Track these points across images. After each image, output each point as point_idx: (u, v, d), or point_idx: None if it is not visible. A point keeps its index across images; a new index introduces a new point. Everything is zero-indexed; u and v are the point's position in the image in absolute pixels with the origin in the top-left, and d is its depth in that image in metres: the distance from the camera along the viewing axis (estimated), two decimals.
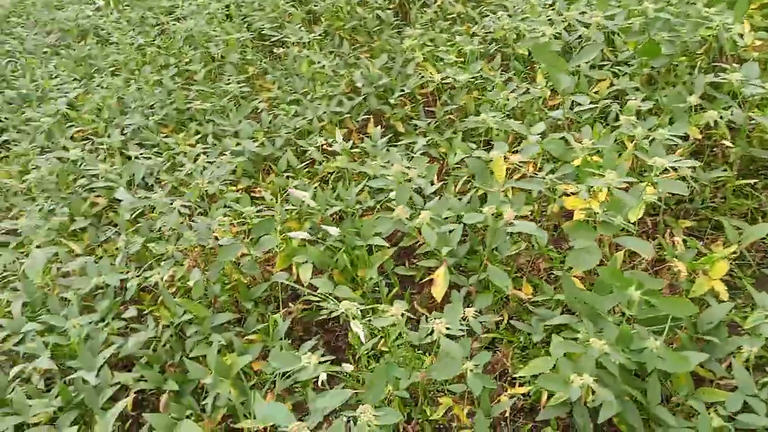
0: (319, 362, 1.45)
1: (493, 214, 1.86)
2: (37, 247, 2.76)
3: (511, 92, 2.73)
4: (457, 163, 2.61)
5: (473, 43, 3.20)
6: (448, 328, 1.41)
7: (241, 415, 1.88)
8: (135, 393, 2.13)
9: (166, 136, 3.51)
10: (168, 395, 2.05)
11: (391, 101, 3.21)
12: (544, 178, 1.97)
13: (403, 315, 1.56)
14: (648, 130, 2.13)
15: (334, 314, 2.30)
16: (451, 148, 2.63)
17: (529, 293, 2.12)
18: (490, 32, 3.42)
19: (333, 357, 1.65)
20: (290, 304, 2.52)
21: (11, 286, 2.71)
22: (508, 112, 2.73)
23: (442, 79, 3.08)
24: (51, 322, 2.37)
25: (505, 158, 2.09)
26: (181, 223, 2.59)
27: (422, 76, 3.26)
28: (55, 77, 4.56)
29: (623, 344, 1.53)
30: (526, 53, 3.15)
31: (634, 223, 1.95)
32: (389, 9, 4.12)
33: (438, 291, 1.87)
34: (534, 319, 2.00)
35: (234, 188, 2.97)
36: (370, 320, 1.66)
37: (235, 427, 2.11)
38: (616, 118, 2.71)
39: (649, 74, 2.79)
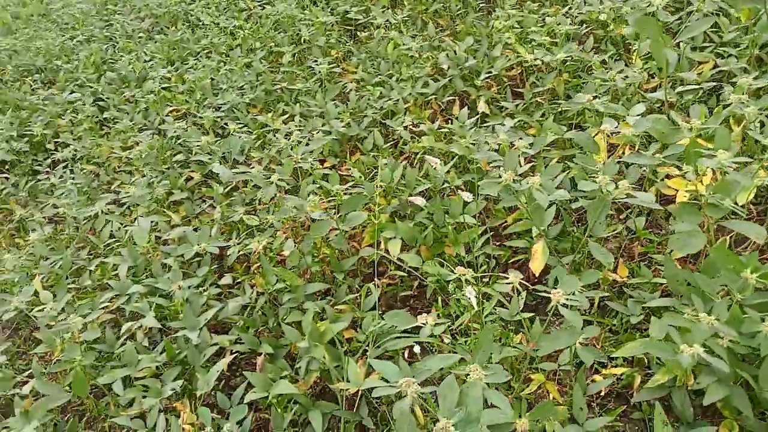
0: (435, 323, 1.48)
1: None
2: (141, 216, 2.96)
3: (619, 72, 2.64)
4: (546, 146, 2.57)
5: (568, 24, 3.12)
6: (567, 299, 1.39)
7: (335, 379, 1.95)
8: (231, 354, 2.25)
9: (255, 116, 3.65)
10: (264, 357, 2.15)
11: (477, 83, 3.19)
12: (653, 155, 1.91)
13: (519, 292, 1.56)
14: (759, 110, 2.02)
15: (426, 287, 2.35)
16: (542, 129, 2.59)
17: (625, 275, 2.07)
18: (581, 13, 3.33)
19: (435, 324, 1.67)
20: (375, 279, 2.58)
21: (117, 251, 2.92)
22: (601, 95, 2.66)
23: (529, 60, 3.03)
24: (155, 285, 2.54)
25: (608, 135, 2.04)
26: (273, 197, 2.71)
27: (509, 58, 3.22)
28: (150, 60, 4.82)
29: (734, 327, 1.48)
30: (621, 35, 3.05)
31: (742, 207, 1.86)
32: None
33: (536, 266, 1.85)
34: (631, 301, 1.96)
35: (320, 166, 3.05)
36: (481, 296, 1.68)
37: (326, 391, 2.20)
38: (718, 100, 2.59)
39: (758, 56, 2.64)
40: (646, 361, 1.87)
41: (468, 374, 1.19)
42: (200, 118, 3.72)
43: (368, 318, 2.05)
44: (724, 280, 1.62)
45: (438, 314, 2.33)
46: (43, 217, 3.40)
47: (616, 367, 1.86)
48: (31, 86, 5.04)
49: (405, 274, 2.43)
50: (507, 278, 1.60)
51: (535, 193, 1.79)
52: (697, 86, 2.46)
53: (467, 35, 3.60)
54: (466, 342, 1.94)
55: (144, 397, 2.21)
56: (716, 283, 1.65)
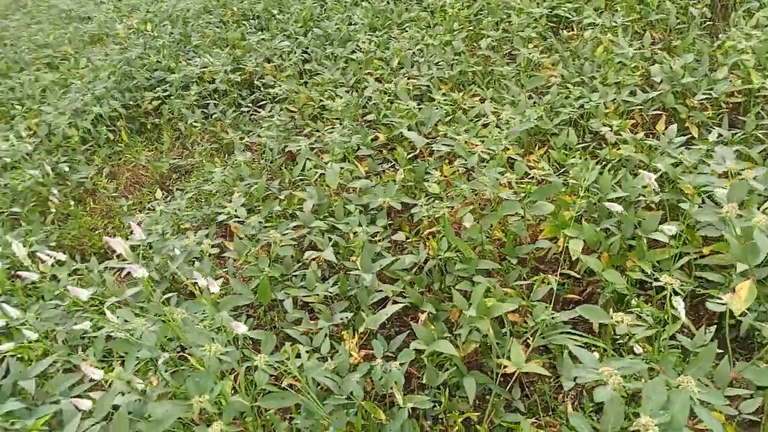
0: (632, 324, 1.48)
1: None
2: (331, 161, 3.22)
3: None
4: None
5: None
6: None
7: (494, 354, 2.01)
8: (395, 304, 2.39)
9: (443, 93, 3.76)
10: (426, 315, 2.27)
11: (690, 103, 3.01)
12: None
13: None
14: None
15: (594, 295, 2.32)
16: (765, 165, 2.39)
17: None
18: None
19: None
20: (543, 272, 2.59)
21: (303, 188, 3.20)
22: None
23: (759, 90, 2.80)
24: (335, 225, 2.77)
25: None
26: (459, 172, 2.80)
27: (732, 83, 2.99)
28: (354, 24, 5.13)
29: None
30: None
31: None
32: (704, 7, 3.82)
33: (738, 305, 1.74)
34: None
35: (505, 152, 3.09)
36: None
37: (478, 364, 2.27)
38: None
39: None
40: None
41: (678, 385, 1.17)
42: (394, 85, 3.91)
43: (539, 307, 2.07)
44: None
45: (600, 333, 2.29)
46: (246, 144, 3.83)
47: None
48: (246, 29, 5.62)
49: (578, 276, 2.41)
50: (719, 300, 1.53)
51: (757, 235, 1.67)
52: None
53: (686, 51, 3.39)
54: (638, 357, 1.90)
55: (311, 319, 2.45)
56: None
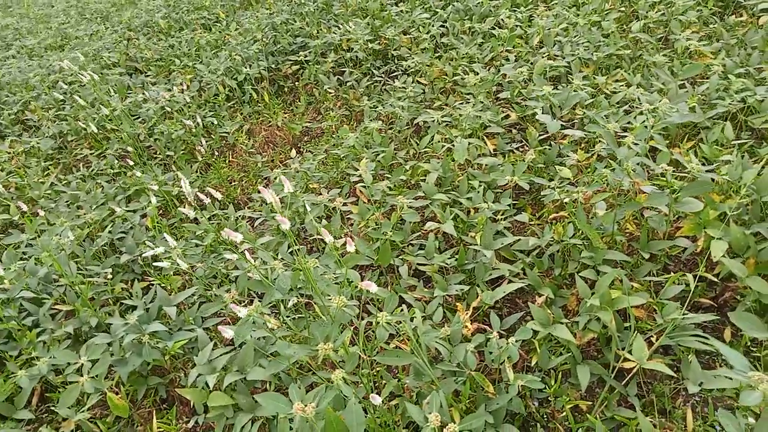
0: None
1: None
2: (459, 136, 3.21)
3: None
4: None
5: None
6: None
7: (615, 347, 1.94)
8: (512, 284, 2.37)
9: (585, 76, 3.58)
10: (545, 299, 2.23)
11: None
12: None
13: None
14: None
15: (731, 302, 2.14)
16: None
17: None
18: None
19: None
20: (674, 272, 2.42)
21: (427, 159, 3.24)
22: None
23: None
24: (458, 199, 2.77)
25: None
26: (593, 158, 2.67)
27: None
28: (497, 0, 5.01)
29: None
30: None
31: None
32: None
33: None
34: None
35: (648, 142, 2.90)
36: None
37: (593, 354, 2.20)
38: None
39: None
40: None
41: None
42: (531, 64, 3.79)
43: (670, 306, 1.95)
44: None
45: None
46: (377, 113, 3.93)
47: None
48: (385, 1, 5.69)
49: (715, 281, 2.23)
50: None
51: None
52: None
53: None
54: None
55: (426, 287, 2.50)
56: None
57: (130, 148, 3.96)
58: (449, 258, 2.49)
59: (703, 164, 2.59)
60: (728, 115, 2.89)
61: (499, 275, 2.45)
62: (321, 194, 2.75)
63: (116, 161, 4.14)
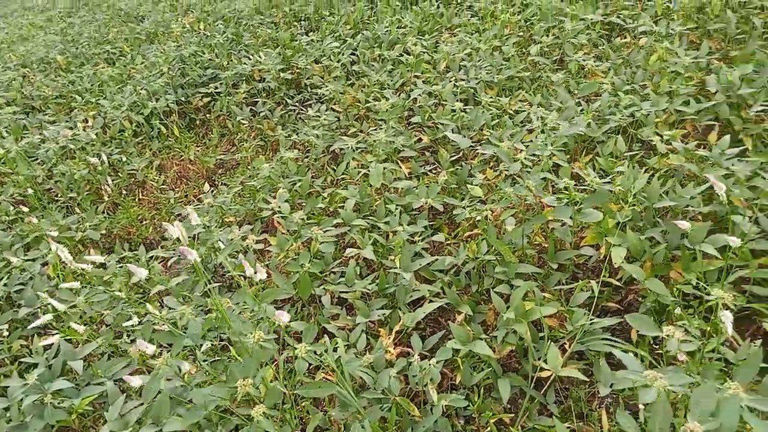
0: (683, 341, 1.45)
1: None
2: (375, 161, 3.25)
3: None
4: None
5: None
6: None
7: (531, 357, 2.00)
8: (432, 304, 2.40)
9: (490, 98, 3.75)
10: (464, 316, 2.27)
11: (746, 115, 2.91)
12: None
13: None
14: None
15: (633, 305, 2.27)
16: None
17: None
18: None
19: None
20: (581, 279, 2.55)
21: (344, 186, 3.25)
22: None
23: None
24: (376, 223, 2.79)
25: None
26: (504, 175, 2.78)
27: None
28: (404, 27, 5.17)
29: None
30: None
31: None
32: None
33: None
34: None
35: (550, 158, 3.06)
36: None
37: (513, 366, 2.26)
38: None
39: None
40: None
41: (725, 391, 1.15)
42: (441, 88, 3.93)
43: (578, 313, 2.05)
44: None
45: (638, 343, 2.23)
46: (292, 142, 3.91)
47: None
48: (296, 30, 5.74)
49: (619, 285, 2.36)
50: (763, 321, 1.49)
51: None
52: None
53: (745, 62, 3.28)
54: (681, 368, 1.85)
55: (348, 315, 2.48)
56: None
57: (30, 190, 3.70)
58: (370, 283, 2.50)
59: (601, 176, 2.75)
60: (620, 128, 3.11)
61: (420, 296, 2.47)
62: (237, 227, 2.68)
63: (12, 207, 3.85)
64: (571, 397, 2.09)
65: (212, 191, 3.64)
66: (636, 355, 2.03)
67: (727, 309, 1.49)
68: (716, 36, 3.96)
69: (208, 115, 4.78)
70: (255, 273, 1.75)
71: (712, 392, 1.13)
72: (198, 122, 4.79)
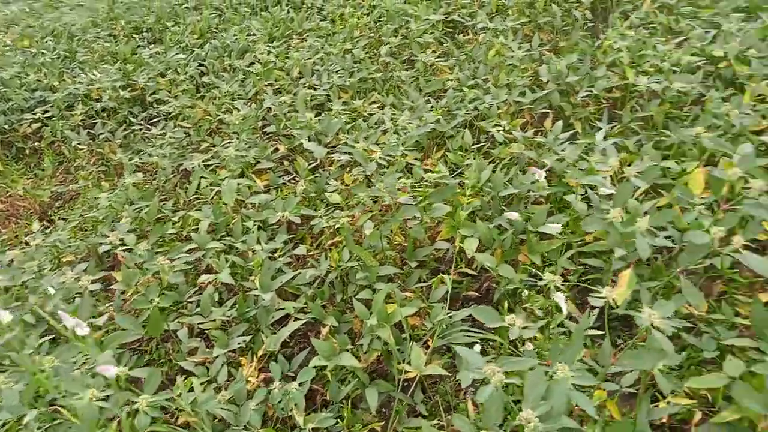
0: (524, 326, 1.49)
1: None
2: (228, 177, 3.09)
3: (733, 109, 2.57)
4: (640, 172, 2.51)
5: (682, 55, 3.04)
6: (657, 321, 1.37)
7: (396, 361, 1.98)
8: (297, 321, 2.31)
9: (345, 101, 3.73)
10: (329, 328, 2.21)
11: (574, 100, 3.15)
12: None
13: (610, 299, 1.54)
14: None
15: (491, 291, 2.35)
16: (640, 154, 2.53)
17: (704, 311, 2.00)
18: (694, 46, 3.22)
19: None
20: (444, 273, 2.59)
21: (198, 207, 3.05)
22: (711, 129, 2.57)
23: (634, 86, 2.97)
24: (233, 244, 2.65)
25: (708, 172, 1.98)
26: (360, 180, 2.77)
27: (610, 80, 3.16)
28: (253, 34, 5.01)
29: None
30: (733, 73, 2.93)
31: None
32: (585, 10, 4.04)
33: (621, 293, 1.81)
34: (706, 336, 1.90)
35: (403, 157, 3.09)
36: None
37: (382, 371, 2.23)
38: None
39: None
40: (709, 397, 1.81)
41: (554, 372, 1.19)
42: (294, 95, 3.84)
43: (437, 308, 2.07)
44: None
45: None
46: (137, 165, 3.61)
47: (677, 397, 1.81)
48: (137, 43, 5.35)
49: (474, 274, 2.43)
50: (596, 292, 1.58)
51: (638, 240, 1.77)
52: None
53: (570, 52, 3.55)
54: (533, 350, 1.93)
55: (208, 347, 2.32)
56: None
57: None
58: (229, 310, 2.35)
59: (452, 170, 2.83)
60: (467, 122, 3.22)
61: (285, 314, 2.37)
62: (70, 270, 2.39)
63: None
64: (438, 393, 2.10)
65: (46, 228, 3.25)
66: (494, 341, 2.10)
67: (558, 290, 1.56)
68: (546, 28, 4.26)
69: (38, 143, 4.29)
70: (76, 325, 1.55)
71: (542, 378, 1.16)
72: (27, 151, 4.28)
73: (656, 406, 1.77)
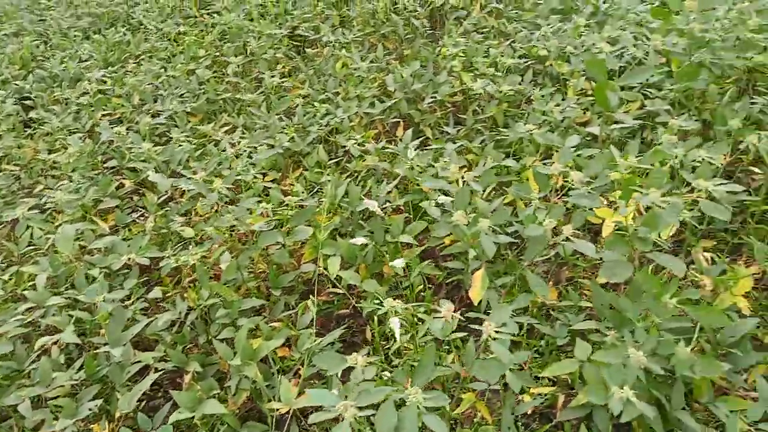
0: (366, 364, 1.47)
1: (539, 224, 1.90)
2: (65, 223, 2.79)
3: (556, 105, 2.79)
4: (477, 176, 2.64)
5: (510, 57, 3.26)
6: (497, 331, 1.43)
7: (266, 399, 1.90)
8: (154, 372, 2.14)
9: (195, 126, 3.55)
10: (192, 375, 2.06)
11: (421, 107, 3.25)
12: (589, 192, 1.99)
13: (453, 318, 1.58)
14: (687, 151, 2.17)
15: (365, 310, 2.34)
16: (483, 154, 2.67)
17: (554, 298, 2.14)
18: (522, 47, 3.47)
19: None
20: (311, 296, 2.55)
21: (35, 260, 2.73)
22: (540, 125, 2.77)
23: (475, 89, 3.13)
24: (77, 298, 2.39)
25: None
26: (214, 208, 2.63)
27: (452, 85, 3.31)
28: (86, 60, 4.62)
29: (651, 349, 1.56)
30: (560, 71, 3.19)
31: (664, 241, 1.98)
32: (423, 18, 4.20)
33: (476, 294, 1.88)
34: (558, 323, 2.03)
35: (261, 179, 3.00)
36: (414, 319, 1.68)
37: (255, 410, 2.13)
38: (643, 137, 2.76)
39: (678, 98, 2.84)
40: (569, 381, 1.94)
41: (406, 398, 1.19)
42: (136, 123, 3.58)
43: (303, 336, 2.01)
44: (647, 305, 1.71)
45: (373, 341, 2.30)
46: None
47: (540, 387, 1.91)
48: None
49: (343, 293, 2.41)
50: (440, 309, 1.62)
51: (483, 239, 1.84)
52: (630, 124, 2.61)
53: (414, 60, 3.67)
54: (399, 364, 1.95)
55: (55, 419, 2.06)
56: (638, 306, 1.75)
57: None
58: (77, 372, 2.12)
59: (310, 189, 2.79)
60: (321, 138, 3.20)
61: (145, 365, 2.18)
62: None
63: None
64: (315, 425, 2.05)
65: None
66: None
67: (395, 315, 1.58)
68: (392, 37, 4.38)
69: None
70: None
71: (392, 408, 1.16)
72: None
73: (522, 400, 1.86)
